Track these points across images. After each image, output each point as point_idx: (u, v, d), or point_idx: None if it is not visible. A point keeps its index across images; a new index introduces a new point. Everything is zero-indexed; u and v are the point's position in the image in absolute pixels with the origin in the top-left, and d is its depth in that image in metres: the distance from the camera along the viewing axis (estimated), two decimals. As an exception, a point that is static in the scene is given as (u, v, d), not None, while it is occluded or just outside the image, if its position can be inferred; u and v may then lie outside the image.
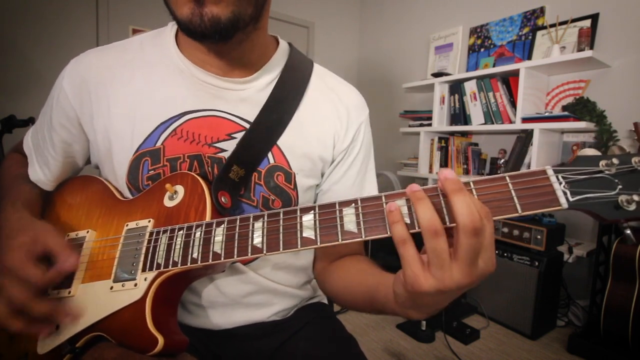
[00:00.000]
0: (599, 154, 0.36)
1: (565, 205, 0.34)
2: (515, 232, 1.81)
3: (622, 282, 1.51)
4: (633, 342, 1.45)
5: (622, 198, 0.34)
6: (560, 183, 0.35)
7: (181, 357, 0.48)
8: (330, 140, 0.62)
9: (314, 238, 0.40)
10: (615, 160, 0.35)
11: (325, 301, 0.76)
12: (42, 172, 0.62)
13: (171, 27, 0.59)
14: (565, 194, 0.34)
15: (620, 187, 0.34)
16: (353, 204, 0.39)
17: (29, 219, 0.53)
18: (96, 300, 0.50)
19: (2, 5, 2.01)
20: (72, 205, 0.62)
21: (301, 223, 0.41)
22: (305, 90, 0.61)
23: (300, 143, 0.59)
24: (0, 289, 0.45)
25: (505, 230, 1.86)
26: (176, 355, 0.48)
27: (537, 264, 1.71)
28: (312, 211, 0.41)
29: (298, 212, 0.42)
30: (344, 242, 0.39)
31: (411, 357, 1.62)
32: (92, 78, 0.56)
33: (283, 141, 0.58)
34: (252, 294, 0.62)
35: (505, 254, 1.83)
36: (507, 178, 0.36)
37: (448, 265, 0.33)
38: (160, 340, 0.44)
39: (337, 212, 0.40)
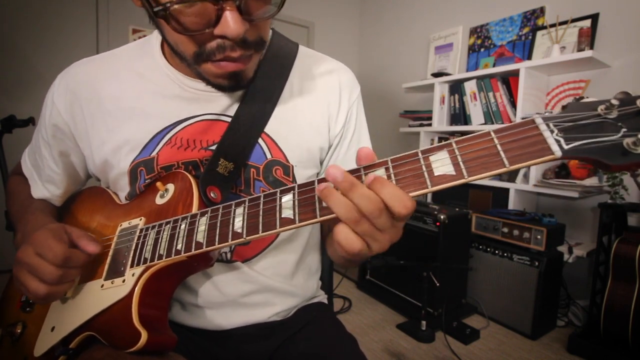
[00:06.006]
0: (595, 99, 0.32)
1: (558, 153, 0.30)
2: (515, 232, 1.81)
3: (622, 282, 1.51)
4: (633, 342, 1.45)
5: (628, 141, 0.29)
6: (552, 131, 0.31)
7: (170, 358, 0.48)
8: (325, 126, 0.62)
9: (292, 218, 0.39)
10: (615, 102, 0.30)
11: (326, 301, 0.76)
12: (47, 189, 0.64)
13: (156, 36, 0.59)
14: (558, 142, 0.30)
15: (624, 129, 0.29)
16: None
17: (61, 224, 0.57)
18: (88, 299, 0.51)
19: (2, 5, 2.01)
20: (77, 214, 0.64)
21: (280, 204, 0.40)
22: (289, 76, 0.60)
23: (293, 133, 0.59)
24: (22, 261, 0.47)
25: (505, 230, 1.85)
26: (164, 353, 0.47)
27: (537, 264, 1.71)
28: (292, 191, 0.40)
29: (278, 193, 0.41)
30: (322, 218, 0.37)
31: (411, 357, 1.62)
32: (83, 94, 0.57)
33: (274, 131, 0.58)
34: (252, 293, 0.62)
35: (505, 254, 1.83)
36: (492, 133, 0.33)
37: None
38: (144, 335, 0.43)
39: (316, 189, 0.38)
